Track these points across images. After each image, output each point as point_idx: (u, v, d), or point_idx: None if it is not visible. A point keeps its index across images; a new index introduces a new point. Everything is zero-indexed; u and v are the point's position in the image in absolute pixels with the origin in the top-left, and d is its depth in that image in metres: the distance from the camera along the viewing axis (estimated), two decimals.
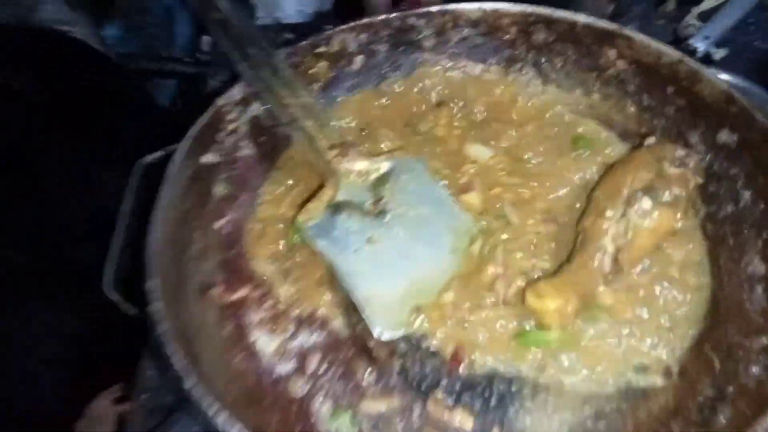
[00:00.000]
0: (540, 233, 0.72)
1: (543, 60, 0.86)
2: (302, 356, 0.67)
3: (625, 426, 0.61)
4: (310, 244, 0.72)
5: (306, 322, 0.69)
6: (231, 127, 0.76)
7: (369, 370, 0.66)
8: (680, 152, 0.70)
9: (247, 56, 0.73)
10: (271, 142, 0.81)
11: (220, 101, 0.74)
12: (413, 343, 0.67)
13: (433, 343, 0.67)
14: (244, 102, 0.77)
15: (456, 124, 0.85)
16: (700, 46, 1.05)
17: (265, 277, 0.72)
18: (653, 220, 0.66)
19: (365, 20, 0.83)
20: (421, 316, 0.67)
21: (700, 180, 0.70)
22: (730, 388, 0.58)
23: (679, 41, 1.08)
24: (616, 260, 0.65)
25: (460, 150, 0.82)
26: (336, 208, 0.73)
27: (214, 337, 0.66)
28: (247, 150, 0.79)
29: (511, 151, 0.81)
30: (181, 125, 0.70)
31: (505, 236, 0.72)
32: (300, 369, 0.66)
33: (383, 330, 0.66)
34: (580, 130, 0.82)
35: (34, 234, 0.84)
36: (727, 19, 1.08)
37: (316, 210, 0.73)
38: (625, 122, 0.82)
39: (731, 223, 0.69)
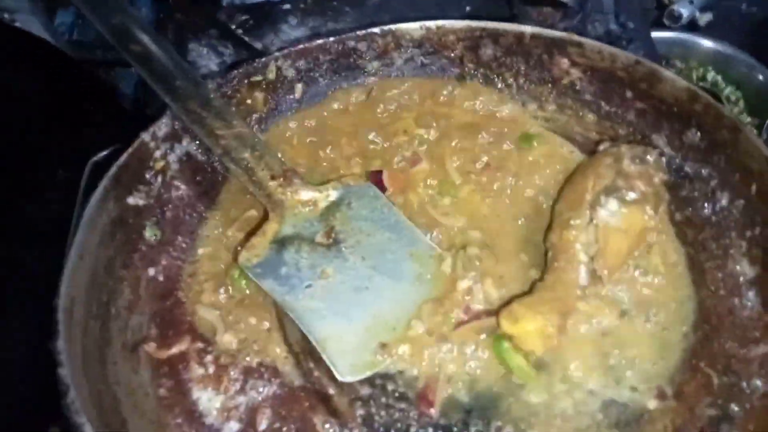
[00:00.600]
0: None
1: (494, 76, 0.81)
2: (252, 413, 0.59)
3: None
4: (256, 284, 0.64)
5: (254, 373, 0.62)
6: (159, 165, 0.69)
7: (329, 422, 0.58)
8: (637, 149, 0.67)
9: (172, 88, 0.67)
10: (209, 179, 0.75)
11: (145, 137, 0.67)
12: (378, 386, 0.60)
13: (400, 384, 0.59)
14: (174, 137, 0.71)
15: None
16: (685, 11, 1.03)
17: (206, 327, 0.64)
18: (622, 221, 0.62)
19: (300, 46, 0.77)
20: (389, 353, 0.60)
21: (664, 176, 0.66)
22: (733, 407, 0.52)
23: (662, 7, 1.06)
24: (593, 271, 0.60)
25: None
26: (282, 242, 0.66)
27: (148, 398, 0.58)
28: (180, 189, 0.72)
29: None
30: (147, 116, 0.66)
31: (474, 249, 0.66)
32: (250, 427, 0.58)
33: (346, 372, 0.59)
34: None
35: None
36: None
37: (260, 246, 0.66)
38: (585, 132, 0.78)
39: (711, 226, 0.65)
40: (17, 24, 1.07)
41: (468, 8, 0.88)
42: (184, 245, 0.71)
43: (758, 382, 0.51)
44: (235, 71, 0.75)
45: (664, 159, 0.68)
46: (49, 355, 0.51)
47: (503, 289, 0.65)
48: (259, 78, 0.77)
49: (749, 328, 0.56)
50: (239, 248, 0.67)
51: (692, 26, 1.05)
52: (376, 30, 0.79)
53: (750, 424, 0.48)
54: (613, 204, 0.62)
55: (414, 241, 0.68)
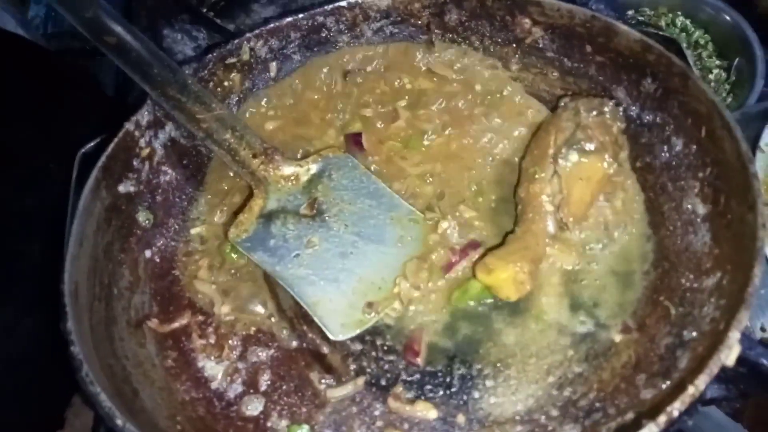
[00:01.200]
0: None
1: (460, 40, 0.84)
2: (253, 375, 0.64)
3: (591, 388, 0.59)
4: (247, 257, 0.69)
5: (252, 339, 0.66)
6: (145, 152, 0.73)
7: (324, 377, 0.63)
8: (594, 101, 0.70)
9: (149, 77, 0.70)
10: (194, 162, 0.78)
11: (129, 126, 0.71)
12: (368, 342, 0.65)
13: (388, 339, 0.64)
14: (157, 124, 0.74)
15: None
16: None
17: (204, 301, 0.69)
18: (583, 170, 0.65)
19: (271, 25, 0.80)
20: (375, 311, 0.65)
21: (621, 125, 0.70)
22: (687, 333, 0.56)
23: None
24: (559, 219, 0.64)
25: None
26: (269, 216, 0.70)
27: (156, 368, 0.63)
28: (168, 174, 0.75)
29: None
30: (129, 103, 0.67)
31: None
32: (252, 388, 0.63)
33: (337, 332, 0.63)
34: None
35: None
36: None
37: (247, 222, 0.70)
38: (551, 89, 0.81)
39: (668, 169, 0.69)
40: None
41: None
42: (176, 227, 0.74)
43: (708, 309, 0.56)
44: (210, 55, 0.78)
45: (621, 109, 0.71)
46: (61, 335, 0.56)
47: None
48: (233, 60, 0.79)
49: (702, 261, 0.61)
50: (228, 226, 0.71)
51: None
52: (343, 3, 0.82)
53: (700, 346, 0.53)
54: (573, 155, 0.66)
55: (394, 206, 0.72)
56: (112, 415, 0.49)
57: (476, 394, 0.60)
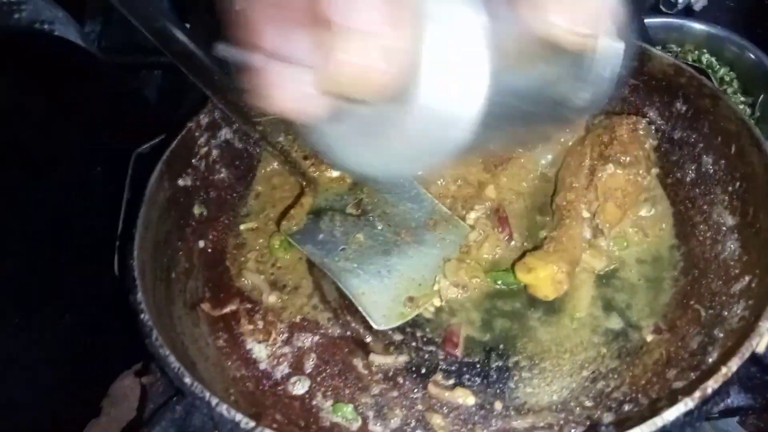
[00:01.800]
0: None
1: None
2: (299, 358, 0.67)
3: (623, 382, 0.62)
4: (298, 248, 0.73)
5: (298, 327, 0.70)
6: (203, 151, 0.77)
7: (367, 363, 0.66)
8: (629, 119, 0.74)
9: (211, 82, 0.75)
10: (246, 164, 0.82)
11: (191, 125, 0.75)
12: (408, 333, 0.68)
13: (428, 331, 0.68)
14: (214, 126, 0.78)
15: None
16: None
17: (253, 290, 0.73)
18: (618, 181, 0.69)
19: None
20: (415, 306, 0.68)
21: (653, 141, 0.74)
22: (717, 331, 0.59)
23: None
24: (595, 226, 0.68)
25: None
26: (318, 213, 0.75)
27: (209, 347, 0.66)
28: (222, 173, 0.80)
29: None
30: (169, 117, 0.71)
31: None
32: (298, 371, 0.66)
33: (380, 322, 0.67)
34: None
35: (40, 232, 0.83)
36: None
37: (298, 216, 0.74)
38: None
39: (698, 184, 0.73)
40: (56, 33, 1.14)
41: None
42: (227, 221, 0.79)
43: (737, 309, 0.59)
44: None
45: (653, 127, 0.76)
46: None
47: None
48: None
49: (731, 267, 0.64)
50: (280, 221, 0.75)
51: (688, 11, 1.11)
52: None
53: (729, 341, 0.56)
54: (609, 167, 0.70)
55: (433, 210, 0.76)
56: (181, 375, 0.52)
57: (512, 384, 0.63)
